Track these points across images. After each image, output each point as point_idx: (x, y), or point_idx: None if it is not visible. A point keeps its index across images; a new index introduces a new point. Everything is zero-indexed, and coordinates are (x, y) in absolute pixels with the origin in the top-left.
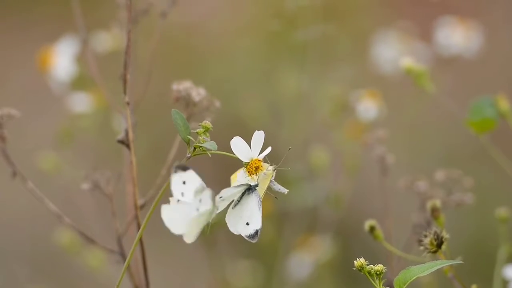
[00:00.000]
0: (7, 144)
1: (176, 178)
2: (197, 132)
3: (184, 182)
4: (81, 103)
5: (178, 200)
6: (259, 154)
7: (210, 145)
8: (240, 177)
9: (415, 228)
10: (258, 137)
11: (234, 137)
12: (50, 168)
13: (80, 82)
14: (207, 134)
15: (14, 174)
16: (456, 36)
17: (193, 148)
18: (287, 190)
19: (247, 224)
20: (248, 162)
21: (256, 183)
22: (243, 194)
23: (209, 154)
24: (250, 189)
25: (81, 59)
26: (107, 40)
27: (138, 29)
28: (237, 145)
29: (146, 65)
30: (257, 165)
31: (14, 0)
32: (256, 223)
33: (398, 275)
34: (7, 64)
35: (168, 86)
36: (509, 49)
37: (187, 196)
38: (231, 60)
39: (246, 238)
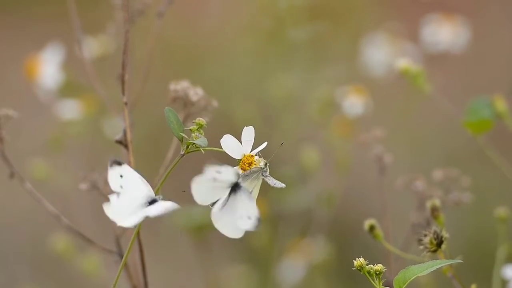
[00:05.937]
0: (4, 145)
1: (113, 173)
2: (190, 129)
3: (121, 176)
4: (70, 110)
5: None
6: (252, 150)
7: (201, 141)
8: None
9: (414, 228)
10: (248, 132)
11: (224, 136)
12: (42, 176)
13: (69, 88)
14: (201, 131)
15: (12, 175)
16: (443, 33)
17: (186, 145)
18: (284, 185)
19: (249, 218)
20: (241, 159)
21: (240, 179)
22: (229, 195)
23: (202, 151)
24: (235, 187)
25: (75, 61)
26: (97, 44)
27: (135, 29)
28: (227, 143)
29: (143, 65)
30: (249, 161)
31: None
32: (254, 213)
33: (397, 275)
34: (2, 62)
35: (165, 86)
36: (507, 48)
37: (126, 188)
38: (226, 61)
39: (252, 229)
